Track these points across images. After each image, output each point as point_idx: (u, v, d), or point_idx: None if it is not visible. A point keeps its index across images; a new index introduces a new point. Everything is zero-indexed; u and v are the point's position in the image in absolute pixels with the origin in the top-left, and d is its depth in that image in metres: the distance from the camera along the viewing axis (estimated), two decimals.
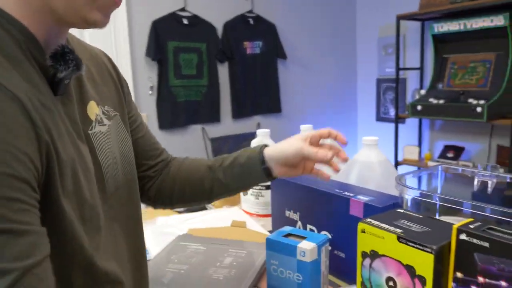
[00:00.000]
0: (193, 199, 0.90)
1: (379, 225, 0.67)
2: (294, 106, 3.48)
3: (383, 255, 0.66)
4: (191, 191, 0.88)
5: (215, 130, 3.07)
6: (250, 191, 1.27)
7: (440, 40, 2.99)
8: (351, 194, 0.93)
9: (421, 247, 0.60)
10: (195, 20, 2.87)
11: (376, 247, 0.67)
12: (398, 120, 3.16)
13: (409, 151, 3.19)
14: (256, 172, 0.84)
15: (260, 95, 3.21)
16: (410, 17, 3.02)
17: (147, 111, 2.79)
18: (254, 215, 1.29)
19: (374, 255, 0.68)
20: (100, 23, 0.53)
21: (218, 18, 2.98)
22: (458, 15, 2.79)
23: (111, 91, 0.71)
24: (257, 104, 3.22)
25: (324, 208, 0.98)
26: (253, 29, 3.13)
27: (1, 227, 0.39)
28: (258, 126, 3.26)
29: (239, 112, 3.13)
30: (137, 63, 2.73)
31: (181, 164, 0.91)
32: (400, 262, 0.64)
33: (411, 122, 3.37)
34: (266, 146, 0.86)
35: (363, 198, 0.90)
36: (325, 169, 0.88)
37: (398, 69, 3.10)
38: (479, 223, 0.59)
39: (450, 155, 3.02)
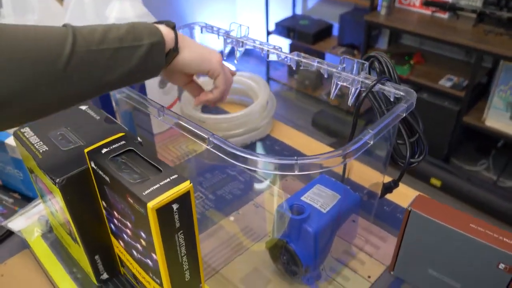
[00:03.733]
0: None
1: (29, 140, 0.52)
2: None
3: (38, 176, 0.52)
4: None
5: None
6: None
7: None
8: None
9: (49, 178, 0.46)
10: None
11: (31, 165, 0.53)
12: None
13: None
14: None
15: None
16: None
17: None
18: None
19: (33, 173, 0.54)
20: None
21: None
22: None
23: None
24: None
25: None
26: None
27: None
28: None
29: None
30: None
31: None
32: (47, 187, 0.51)
33: None
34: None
35: None
36: None
37: None
38: (122, 143, 0.46)
39: None
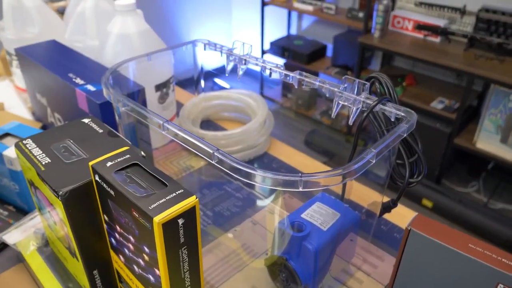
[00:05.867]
0: None
1: (31, 151, 0.51)
2: None
3: (38, 188, 0.52)
4: None
5: None
6: None
7: None
8: (83, 82, 0.74)
9: (51, 189, 0.46)
10: None
11: (31, 177, 0.52)
12: None
13: None
14: None
15: None
16: None
17: None
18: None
19: (33, 185, 0.54)
20: None
21: None
22: None
23: None
24: None
25: (60, 96, 0.80)
26: None
27: None
28: None
29: None
30: None
31: None
32: (48, 199, 0.50)
33: None
34: None
35: (90, 88, 0.72)
36: None
37: None
38: (128, 157, 0.46)
39: None
